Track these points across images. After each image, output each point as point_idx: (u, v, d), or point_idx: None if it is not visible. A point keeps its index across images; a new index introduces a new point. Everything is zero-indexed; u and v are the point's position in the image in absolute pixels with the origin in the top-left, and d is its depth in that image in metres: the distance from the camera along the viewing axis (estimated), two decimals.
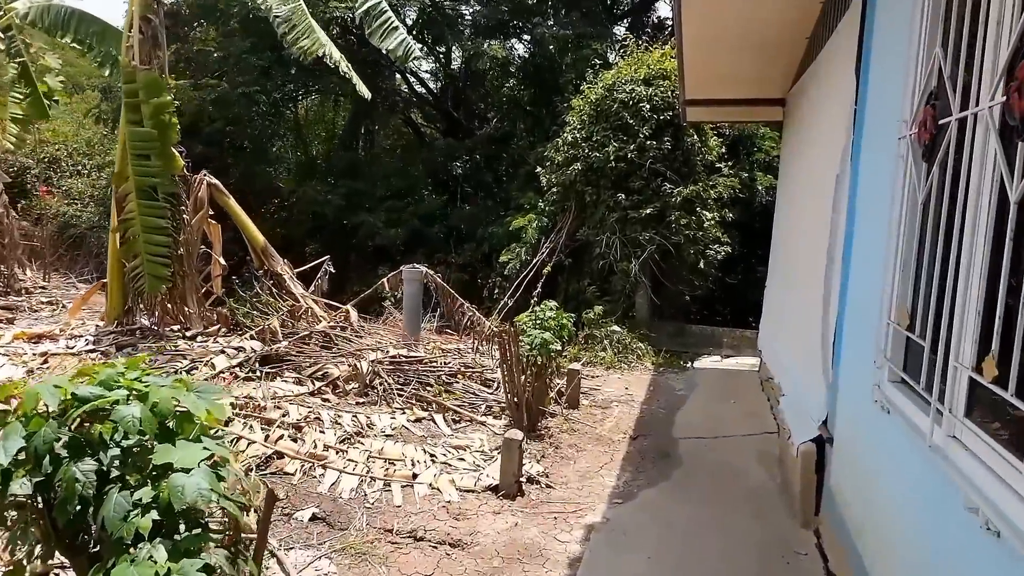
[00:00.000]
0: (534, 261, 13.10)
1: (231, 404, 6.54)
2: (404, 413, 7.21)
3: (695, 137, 12.56)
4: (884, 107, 3.94)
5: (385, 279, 9.59)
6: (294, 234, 17.24)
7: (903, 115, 3.38)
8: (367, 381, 7.51)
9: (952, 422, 2.52)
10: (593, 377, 9.91)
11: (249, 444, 5.77)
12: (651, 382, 9.81)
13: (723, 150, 13.29)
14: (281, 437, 6.00)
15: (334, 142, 20.89)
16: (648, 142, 12.10)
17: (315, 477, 5.62)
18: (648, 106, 12.10)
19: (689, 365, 10.70)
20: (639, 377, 10.11)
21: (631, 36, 15.92)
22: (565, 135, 13.14)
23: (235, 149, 17.58)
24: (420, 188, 17.97)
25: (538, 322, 7.39)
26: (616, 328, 11.16)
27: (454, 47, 20.38)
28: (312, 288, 10.08)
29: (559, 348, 7.06)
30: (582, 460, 6.53)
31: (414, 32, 21.53)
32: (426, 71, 24.74)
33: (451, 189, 18.50)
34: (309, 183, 17.66)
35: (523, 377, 6.81)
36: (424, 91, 23.76)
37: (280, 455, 5.76)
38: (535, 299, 12.44)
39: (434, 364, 8.20)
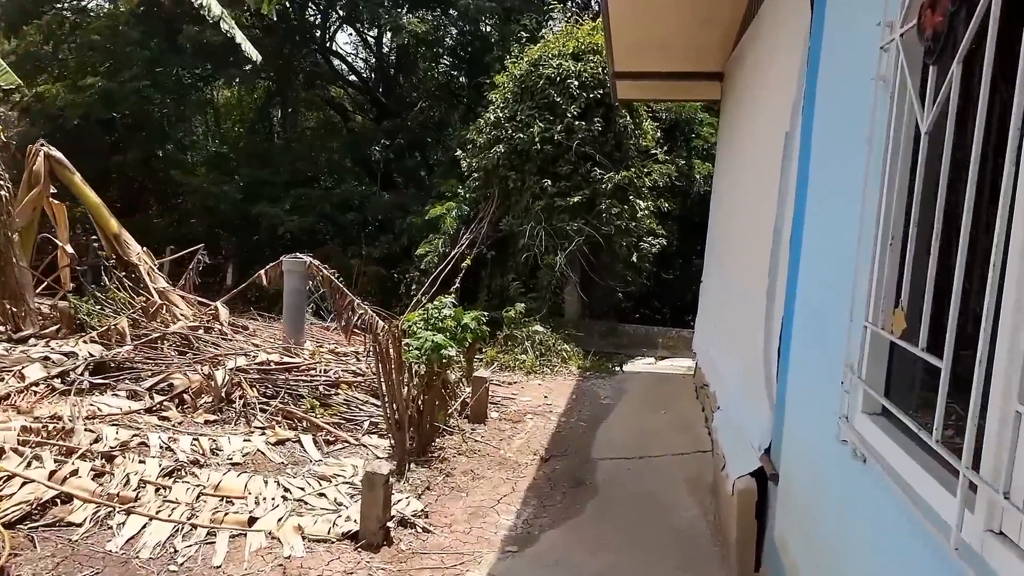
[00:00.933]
0: (452, 254, 11.84)
1: (24, 427, 5.09)
2: (264, 434, 5.86)
3: (628, 119, 11.51)
4: (851, 23, 2.84)
5: (263, 272, 8.20)
6: (196, 228, 15.55)
7: (885, 16, 2.26)
8: (223, 394, 6.13)
9: (1004, 511, 1.39)
10: (510, 384, 8.73)
11: (23, 484, 4.35)
12: (575, 389, 8.68)
13: (659, 135, 12.29)
14: (75, 472, 4.59)
15: (242, 129, 19.11)
16: (577, 123, 10.99)
17: (111, 527, 4.24)
18: (577, 83, 10.98)
19: (619, 369, 9.63)
20: (562, 383, 8.97)
21: (558, 5, 14.77)
22: (487, 115, 11.93)
23: (137, 139, 15.84)
24: (336, 175, 16.48)
25: (432, 322, 6.15)
26: (539, 328, 10.01)
27: (385, 29, 18.93)
28: (183, 282, 8.60)
29: (453, 354, 5.83)
30: (477, 491, 5.31)
31: (336, 8, 20.04)
32: (355, 55, 23.23)
33: (373, 176, 17.06)
34: (204, 174, 15.97)
35: (408, 389, 5.56)
36: (355, 78, 22.22)
37: (68, 498, 4.36)
38: (451, 295, 11.21)
39: (313, 372, 6.87)
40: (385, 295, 13.77)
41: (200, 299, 7.85)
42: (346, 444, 5.94)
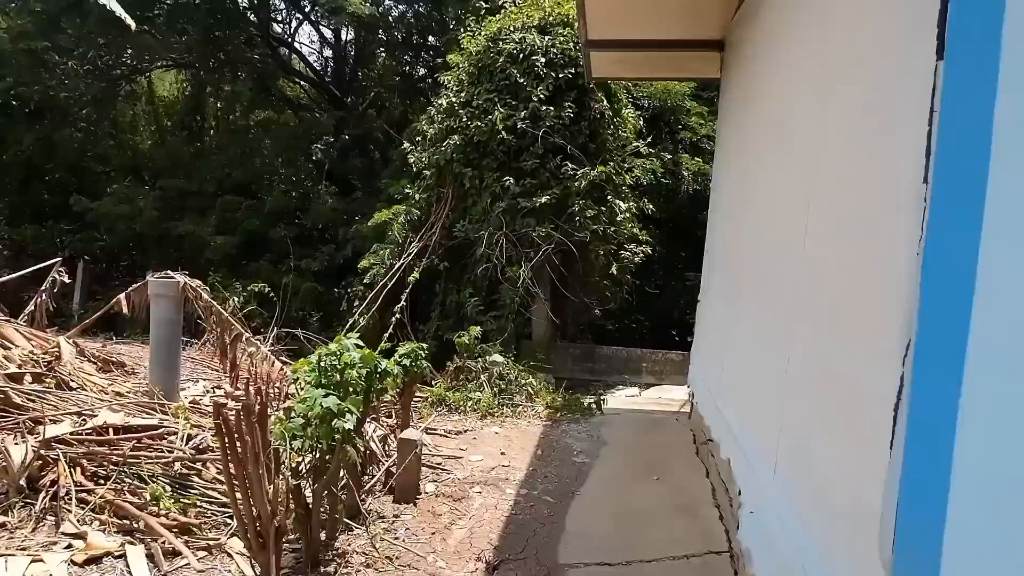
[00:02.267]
0: (397, 266, 9.96)
1: None
2: (71, 546, 3.93)
3: (605, 104, 9.74)
4: None
5: (122, 296, 6.24)
6: (109, 240, 13.47)
7: None
8: (21, 482, 4.20)
9: None
10: (459, 433, 6.87)
11: None
12: (541, 440, 6.84)
13: (641, 124, 10.53)
14: None
15: (162, 131, 16.92)
16: (544, 108, 9.19)
17: None
18: (543, 60, 9.19)
19: (596, 410, 7.80)
20: (525, 431, 7.12)
21: None
22: (439, 101, 10.08)
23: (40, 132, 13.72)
24: (277, 180, 14.48)
25: (328, 373, 4.27)
26: (497, 359, 8.16)
27: (326, 11, 16.98)
28: (32, 308, 6.61)
29: (352, 424, 3.94)
30: None
31: None
32: (315, 49, 21.29)
33: (315, 179, 15.09)
34: (117, 187, 13.88)
35: (277, 485, 3.67)
36: (311, 73, 20.25)
37: None
38: (396, 315, 9.34)
39: (175, 438, 4.93)
40: (326, 315, 11.84)
41: (37, 334, 5.87)
42: (205, 552, 4.04)
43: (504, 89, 9.39)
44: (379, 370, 4.71)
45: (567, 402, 7.93)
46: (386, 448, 5.64)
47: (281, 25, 19.94)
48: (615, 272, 9.59)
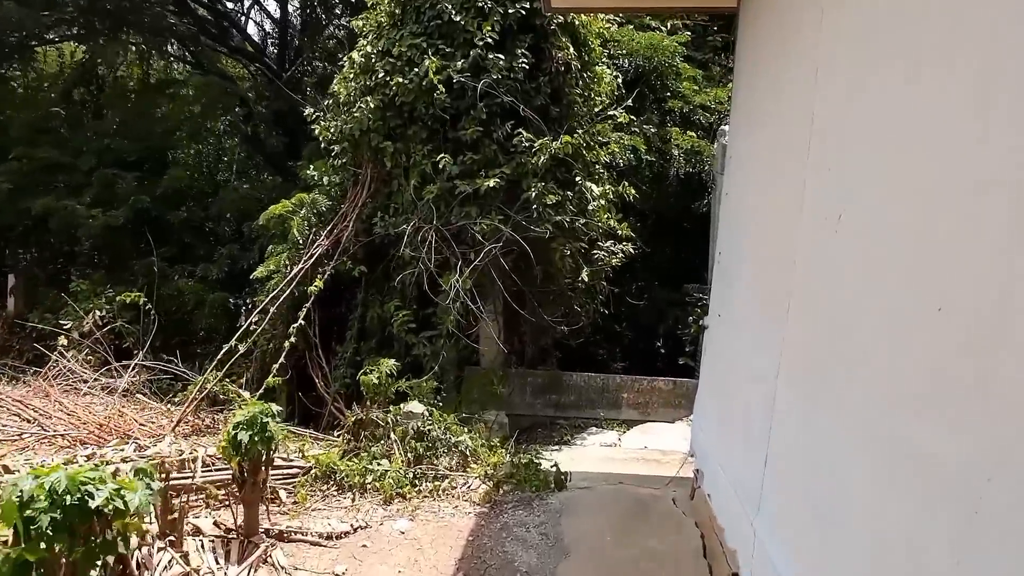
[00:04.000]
0: (294, 273, 7.47)
1: None
2: None
3: (572, 52, 7.33)
4: None
5: None
6: None
7: None
8: None
9: None
10: (342, 537, 4.43)
11: None
12: (468, 546, 4.41)
13: (619, 86, 8.15)
14: None
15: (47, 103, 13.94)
16: (490, 57, 6.76)
17: None
18: None
19: (554, 488, 5.36)
20: (447, 527, 4.69)
21: None
22: (353, 54, 7.58)
23: None
24: (175, 158, 11.79)
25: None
26: (415, 408, 5.70)
27: None
28: None
29: None
30: None
31: None
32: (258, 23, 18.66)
33: (233, 159, 12.46)
34: None
35: None
36: (249, 47, 17.61)
37: None
38: (291, 339, 6.90)
39: None
40: (215, 332, 9.33)
41: None
42: None
43: (435, 32, 6.93)
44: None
45: (517, 469, 5.50)
46: None
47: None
48: (586, 278, 7.20)
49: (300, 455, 5.49)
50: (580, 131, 7.14)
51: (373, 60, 7.24)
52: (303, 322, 7.38)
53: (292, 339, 7.10)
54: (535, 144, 6.74)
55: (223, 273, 9.60)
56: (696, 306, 8.48)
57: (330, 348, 8.34)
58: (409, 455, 5.38)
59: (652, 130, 8.49)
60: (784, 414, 2.90)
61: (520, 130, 6.84)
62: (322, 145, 7.86)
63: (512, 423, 7.91)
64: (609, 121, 7.77)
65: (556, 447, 7.04)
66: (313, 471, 5.23)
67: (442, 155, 6.91)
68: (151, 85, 13.21)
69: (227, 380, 7.12)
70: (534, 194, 6.70)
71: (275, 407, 4.09)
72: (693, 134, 8.63)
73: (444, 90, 6.80)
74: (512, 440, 7.00)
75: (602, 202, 7.31)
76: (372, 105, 7.13)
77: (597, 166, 7.60)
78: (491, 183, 6.70)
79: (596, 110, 7.83)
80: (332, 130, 7.65)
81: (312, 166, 8.59)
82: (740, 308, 4.18)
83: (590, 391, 8.21)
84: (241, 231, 9.70)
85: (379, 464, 5.24)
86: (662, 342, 9.58)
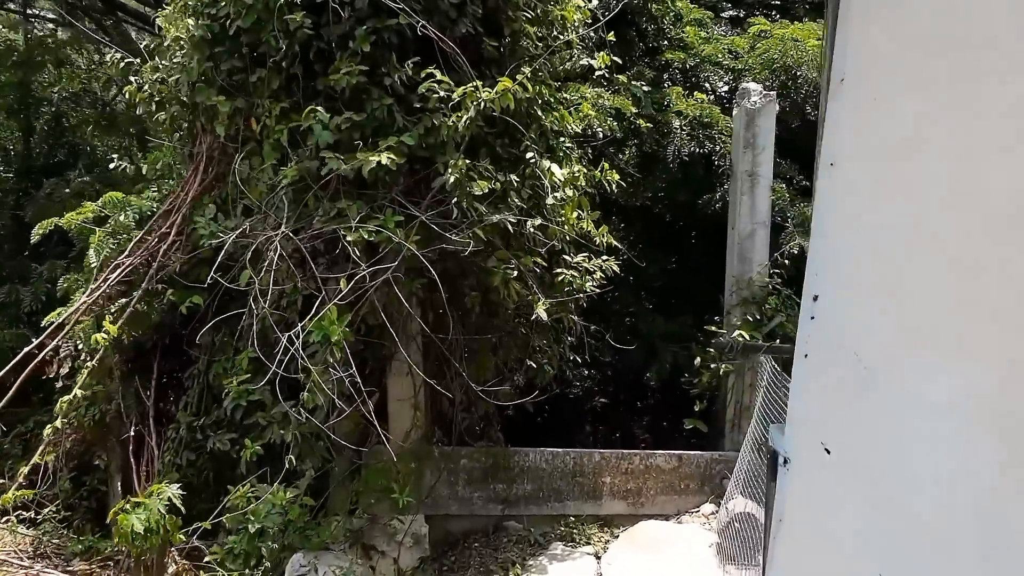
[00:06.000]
0: (76, 307, 4.67)
1: None
2: None
3: None
4: None
5: None
6: None
7: None
8: None
9: None
10: None
11: None
12: None
13: (591, 23, 5.44)
14: None
15: None
16: None
17: None
18: None
19: None
20: None
21: None
22: None
23: None
24: None
25: None
26: None
27: None
28: None
29: None
30: None
31: None
32: None
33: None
34: None
35: None
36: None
37: None
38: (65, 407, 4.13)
39: None
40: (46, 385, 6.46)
41: None
42: None
43: None
44: None
45: None
46: None
47: None
48: (543, 315, 4.46)
49: None
50: (537, 80, 4.43)
51: None
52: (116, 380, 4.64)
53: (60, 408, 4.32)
54: (454, 94, 4.02)
55: (40, 303, 6.72)
56: (709, 344, 5.84)
57: (166, 415, 5.58)
58: None
59: (642, 87, 5.79)
60: None
61: (432, 71, 4.11)
62: (138, 111, 5.07)
63: (436, 530, 5.23)
64: (578, 68, 5.08)
65: None
66: None
67: (313, 117, 4.15)
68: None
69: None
70: (453, 178, 3.97)
71: None
72: (704, 95, 5.96)
73: (308, 24, 4.09)
74: (433, 566, 4.31)
75: (569, 193, 4.59)
76: (197, 36, 4.36)
77: (562, 138, 4.90)
78: (383, 159, 3.96)
79: (558, 54, 5.13)
80: (150, 88, 4.87)
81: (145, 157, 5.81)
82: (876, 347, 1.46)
83: (555, 476, 5.52)
84: (71, 241, 6.83)
85: None
86: (654, 393, 6.91)
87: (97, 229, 4.96)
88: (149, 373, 5.69)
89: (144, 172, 5.91)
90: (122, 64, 4.97)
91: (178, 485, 4.24)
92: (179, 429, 5.11)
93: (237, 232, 4.12)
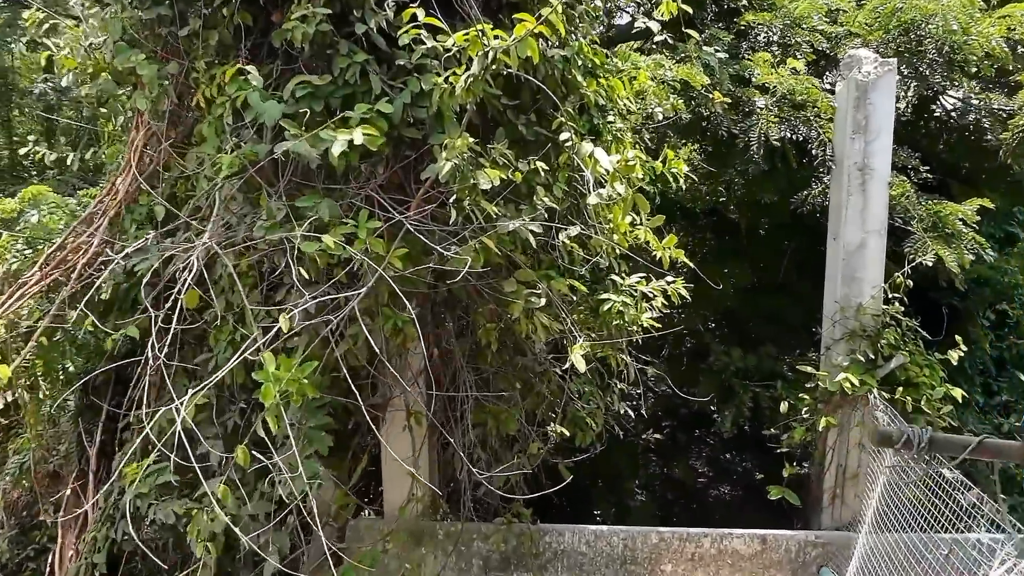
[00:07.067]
0: None
1: None
2: None
3: None
4: None
5: None
6: None
7: None
8: None
9: None
10: None
11: None
12: None
13: None
14: None
15: None
16: None
17: None
18: None
19: None
20: None
21: None
22: None
23: None
24: None
25: None
26: None
27: None
28: None
29: None
30: None
31: None
32: None
33: None
34: None
35: None
36: None
37: None
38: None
39: None
40: None
41: None
42: None
43: None
44: None
45: None
46: None
47: None
48: (579, 364, 3.14)
49: None
50: (571, 29, 3.15)
51: None
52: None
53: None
54: (450, 42, 2.78)
55: None
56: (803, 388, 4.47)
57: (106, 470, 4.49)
58: None
59: (718, 54, 4.44)
60: None
61: (416, 12, 2.87)
62: (64, 82, 3.98)
63: None
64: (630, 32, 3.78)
65: None
66: None
67: (236, 69, 2.97)
68: None
69: None
70: (449, 165, 2.72)
71: None
72: (798, 63, 4.56)
73: None
74: None
75: (620, 189, 3.28)
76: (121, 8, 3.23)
77: (610, 116, 3.60)
78: (355, 137, 2.74)
79: (600, 12, 3.84)
80: (74, 54, 3.78)
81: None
82: None
83: (598, 563, 4.21)
84: None
85: None
86: (728, 447, 5.52)
87: (3, 232, 3.88)
88: (98, 413, 4.64)
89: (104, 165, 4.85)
90: (45, 25, 3.88)
91: None
92: (110, 495, 3.98)
93: (155, 246, 2.95)
